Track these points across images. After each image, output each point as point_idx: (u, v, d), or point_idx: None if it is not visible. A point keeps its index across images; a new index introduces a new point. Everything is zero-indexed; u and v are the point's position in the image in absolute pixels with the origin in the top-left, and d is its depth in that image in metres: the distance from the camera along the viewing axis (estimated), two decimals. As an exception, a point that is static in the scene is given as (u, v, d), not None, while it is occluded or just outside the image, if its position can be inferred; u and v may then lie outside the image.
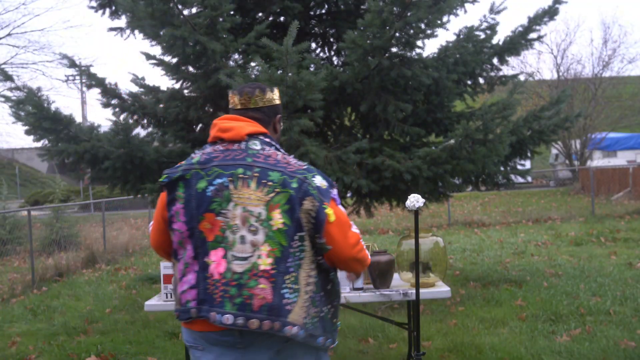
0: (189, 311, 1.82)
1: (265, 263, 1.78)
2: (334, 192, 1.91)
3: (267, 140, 1.95)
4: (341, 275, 3.30)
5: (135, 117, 5.99)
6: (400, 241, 3.50)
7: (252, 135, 1.94)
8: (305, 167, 1.91)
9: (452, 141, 4.78)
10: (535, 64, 40.27)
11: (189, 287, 1.84)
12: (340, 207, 1.92)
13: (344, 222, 1.88)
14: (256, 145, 1.92)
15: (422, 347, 4.22)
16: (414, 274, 3.12)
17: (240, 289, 1.77)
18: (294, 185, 1.82)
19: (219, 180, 1.84)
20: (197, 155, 1.95)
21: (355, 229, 1.93)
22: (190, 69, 5.47)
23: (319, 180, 1.88)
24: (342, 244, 1.86)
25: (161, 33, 4.90)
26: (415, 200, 2.80)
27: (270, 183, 1.82)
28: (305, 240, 1.84)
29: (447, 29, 5.71)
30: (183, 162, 1.96)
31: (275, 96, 2.05)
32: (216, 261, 1.80)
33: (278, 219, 1.80)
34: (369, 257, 1.97)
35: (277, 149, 1.95)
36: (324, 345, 1.89)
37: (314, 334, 1.84)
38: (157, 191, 5.16)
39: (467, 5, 5.84)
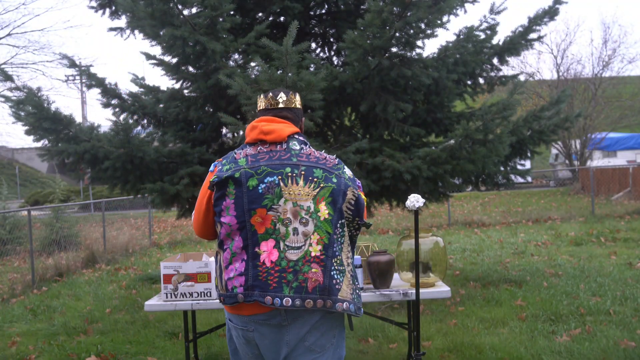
0: (235, 296, 2.03)
1: (315, 250, 2.03)
2: (358, 180, 2.24)
3: (302, 139, 2.19)
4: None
5: (135, 117, 5.99)
6: (400, 241, 3.50)
7: (290, 136, 2.17)
8: (337, 161, 2.17)
9: (452, 141, 4.78)
10: (535, 64, 40.38)
11: (236, 274, 2.04)
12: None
13: (364, 201, 2.21)
14: (295, 145, 2.15)
15: (422, 347, 4.22)
16: (414, 274, 3.12)
17: (296, 274, 2.01)
18: (334, 180, 2.09)
19: (269, 179, 2.05)
20: (240, 157, 2.12)
21: None
22: (190, 69, 5.47)
23: (348, 172, 2.18)
24: (362, 214, 2.18)
25: (161, 33, 4.90)
26: (415, 200, 2.80)
27: (315, 179, 2.07)
28: (345, 226, 2.11)
29: (447, 29, 5.71)
30: (223, 161, 2.14)
31: (299, 100, 2.32)
32: (267, 251, 2.03)
33: (324, 210, 2.05)
34: None
35: (310, 147, 2.19)
36: (360, 314, 2.12)
37: (359, 306, 2.10)
38: (156, 191, 5.16)
39: (467, 5, 5.84)
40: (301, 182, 2.05)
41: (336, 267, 2.05)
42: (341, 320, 2.17)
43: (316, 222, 2.04)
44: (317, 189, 2.06)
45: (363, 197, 2.16)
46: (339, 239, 2.08)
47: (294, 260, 2.02)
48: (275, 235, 2.03)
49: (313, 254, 2.02)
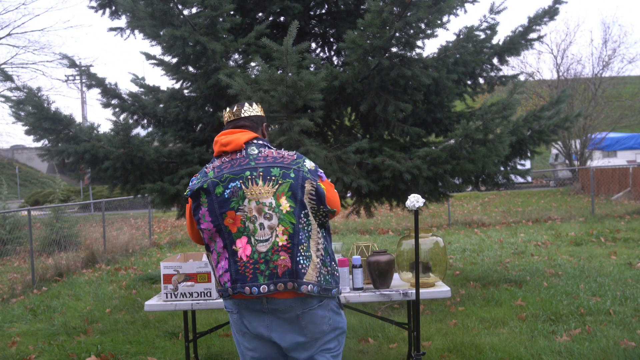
0: (227, 290, 2.30)
1: (282, 240, 2.26)
2: (320, 170, 2.43)
3: (261, 142, 2.44)
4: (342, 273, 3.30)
5: (135, 117, 6.00)
6: (400, 241, 3.50)
7: (248, 142, 2.41)
8: (295, 156, 2.40)
9: (452, 141, 4.78)
10: (535, 64, 40.36)
11: (223, 271, 2.32)
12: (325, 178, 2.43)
13: (332, 187, 2.44)
14: (254, 150, 2.39)
15: (422, 347, 4.22)
16: (414, 274, 3.12)
17: (268, 263, 2.26)
18: (292, 175, 2.31)
19: (232, 184, 2.30)
20: (209, 170, 2.39)
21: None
22: (190, 69, 5.47)
23: (309, 164, 2.39)
24: (336, 204, 2.43)
25: (161, 33, 4.90)
26: (415, 200, 2.80)
27: (273, 177, 2.30)
28: (309, 216, 2.32)
29: (447, 29, 5.72)
30: (198, 175, 2.43)
31: (259, 108, 2.58)
32: (242, 247, 2.28)
33: (285, 204, 2.28)
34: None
35: (269, 148, 2.43)
36: (337, 294, 2.36)
37: (327, 288, 2.31)
38: (156, 191, 5.16)
39: (467, 5, 5.84)
40: (260, 182, 2.30)
41: (302, 254, 2.28)
42: (329, 304, 2.37)
43: (279, 215, 2.27)
44: (276, 186, 2.30)
45: (323, 186, 2.34)
46: (305, 228, 2.29)
47: (264, 252, 2.27)
48: (246, 232, 2.28)
49: (280, 244, 2.26)
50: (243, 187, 2.29)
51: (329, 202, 2.37)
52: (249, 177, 2.30)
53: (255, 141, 2.42)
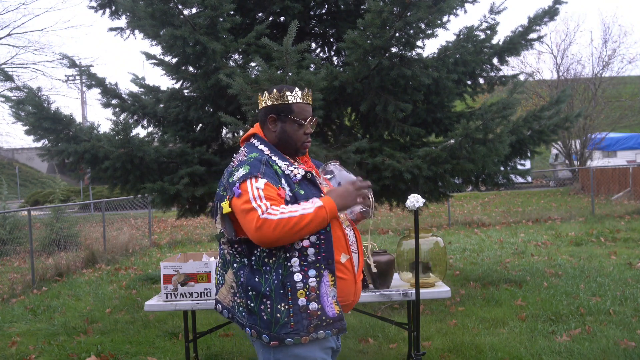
0: None
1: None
2: (243, 180, 2.01)
3: (253, 141, 2.22)
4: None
5: (135, 117, 5.99)
6: (400, 241, 3.50)
7: (245, 140, 2.26)
8: (238, 162, 2.11)
9: (452, 141, 4.78)
10: (535, 64, 40.34)
11: None
12: (243, 195, 1.99)
13: (238, 211, 2.00)
14: (241, 150, 2.21)
15: (422, 347, 4.22)
16: (414, 274, 3.12)
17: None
18: (220, 185, 2.14)
19: None
20: None
21: (254, 208, 1.95)
22: (190, 69, 5.47)
23: (238, 174, 2.04)
24: (245, 232, 2.02)
25: (161, 33, 4.89)
26: (415, 200, 2.80)
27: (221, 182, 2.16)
28: (224, 237, 2.13)
29: (447, 29, 5.71)
30: None
31: (263, 99, 2.24)
32: None
33: (217, 212, 2.13)
34: (271, 228, 1.93)
35: (250, 147, 2.17)
36: (256, 338, 2.05)
37: (240, 322, 2.09)
38: (156, 191, 5.16)
39: (467, 5, 5.84)
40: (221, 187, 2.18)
41: (219, 270, 2.21)
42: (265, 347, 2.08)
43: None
44: (218, 191, 2.17)
45: (226, 205, 2.03)
46: (223, 244, 2.17)
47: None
48: None
49: (219, 249, 2.24)
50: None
51: (235, 225, 2.09)
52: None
53: (251, 139, 2.24)
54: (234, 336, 4.84)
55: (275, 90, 2.20)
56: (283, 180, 2.07)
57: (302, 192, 2.07)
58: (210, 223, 14.31)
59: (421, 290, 3.17)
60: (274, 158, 2.13)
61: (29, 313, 6.15)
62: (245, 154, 2.14)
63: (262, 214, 1.93)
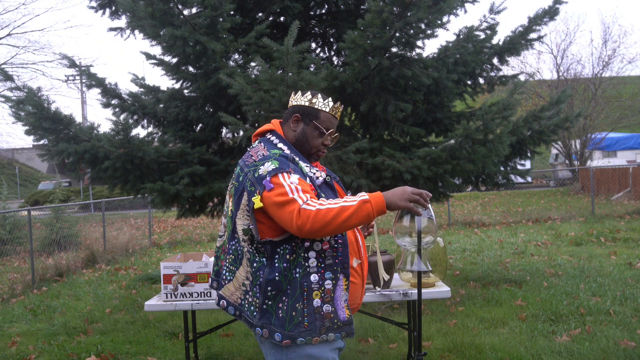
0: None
1: (225, 240, 2.18)
2: (274, 175, 1.98)
3: (268, 136, 2.21)
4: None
5: (135, 117, 5.99)
6: (400, 241, 3.49)
7: (259, 135, 2.26)
8: (259, 157, 2.07)
9: (452, 141, 4.78)
10: (535, 64, 40.28)
11: None
12: (276, 188, 1.96)
13: (271, 203, 1.95)
14: (255, 144, 2.21)
15: (422, 347, 4.22)
16: (415, 274, 3.11)
17: (217, 260, 2.24)
18: (241, 179, 2.09)
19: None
20: None
21: (294, 199, 1.93)
22: (190, 69, 5.47)
23: (264, 168, 2.01)
24: (282, 224, 1.96)
25: (161, 33, 4.90)
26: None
27: (234, 176, 2.17)
28: (238, 233, 2.08)
29: (447, 29, 5.71)
30: None
31: (295, 97, 2.26)
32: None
33: (231, 206, 2.13)
34: (312, 219, 1.90)
35: (267, 143, 2.15)
36: (266, 338, 2.02)
37: (249, 321, 2.06)
38: (156, 191, 5.16)
39: (467, 5, 5.84)
40: (232, 179, 2.18)
41: (227, 265, 2.15)
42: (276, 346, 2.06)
43: (227, 214, 2.18)
44: (231, 185, 2.17)
45: (257, 199, 1.97)
46: (237, 245, 2.09)
47: (218, 247, 2.24)
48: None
49: (224, 244, 2.19)
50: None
51: (266, 220, 2.01)
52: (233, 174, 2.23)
53: (267, 134, 2.22)
54: (234, 336, 4.84)
55: (308, 93, 2.22)
56: (308, 180, 2.06)
57: (322, 195, 2.06)
58: (211, 223, 14.31)
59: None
60: (296, 158, 2.11)
61: (29, 313, 6.15)
62: (266, 149, 2.11)
63: (303, 204, 1.92)
